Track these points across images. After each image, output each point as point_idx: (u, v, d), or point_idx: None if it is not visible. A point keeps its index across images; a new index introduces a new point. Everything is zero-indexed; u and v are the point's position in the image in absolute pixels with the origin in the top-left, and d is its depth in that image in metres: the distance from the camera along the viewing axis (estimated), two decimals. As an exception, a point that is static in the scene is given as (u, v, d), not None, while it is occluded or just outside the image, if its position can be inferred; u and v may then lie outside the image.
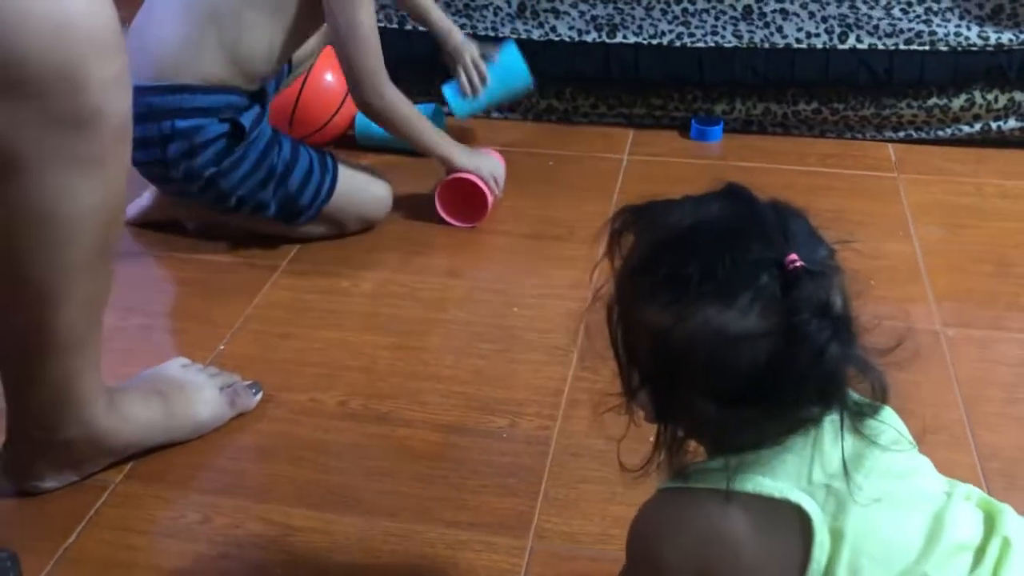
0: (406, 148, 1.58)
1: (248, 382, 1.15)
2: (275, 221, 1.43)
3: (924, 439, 0.87)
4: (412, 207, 1.58)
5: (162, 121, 1.30)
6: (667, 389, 0.66)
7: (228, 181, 1.36)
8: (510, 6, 1.77)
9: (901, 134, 1.76)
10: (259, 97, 1.39)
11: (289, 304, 1.35)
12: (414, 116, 1.46)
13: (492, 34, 1.78)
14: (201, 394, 1.09)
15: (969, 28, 1.64)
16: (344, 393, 1.17)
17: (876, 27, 1.66)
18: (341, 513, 1.00)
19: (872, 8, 1.65)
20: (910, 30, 1.65)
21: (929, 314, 1.31)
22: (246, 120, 1.34)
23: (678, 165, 1.73)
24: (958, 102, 1.70)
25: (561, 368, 1.21)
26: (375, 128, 1.54)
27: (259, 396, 1.14)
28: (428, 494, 1.02)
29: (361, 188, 1.49)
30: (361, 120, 1.75)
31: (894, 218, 1.54)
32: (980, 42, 1.64)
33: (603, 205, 1.58)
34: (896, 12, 1.65)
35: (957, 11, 1.63)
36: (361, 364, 1.22)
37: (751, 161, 1.73)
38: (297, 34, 1.38)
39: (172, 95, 1.31)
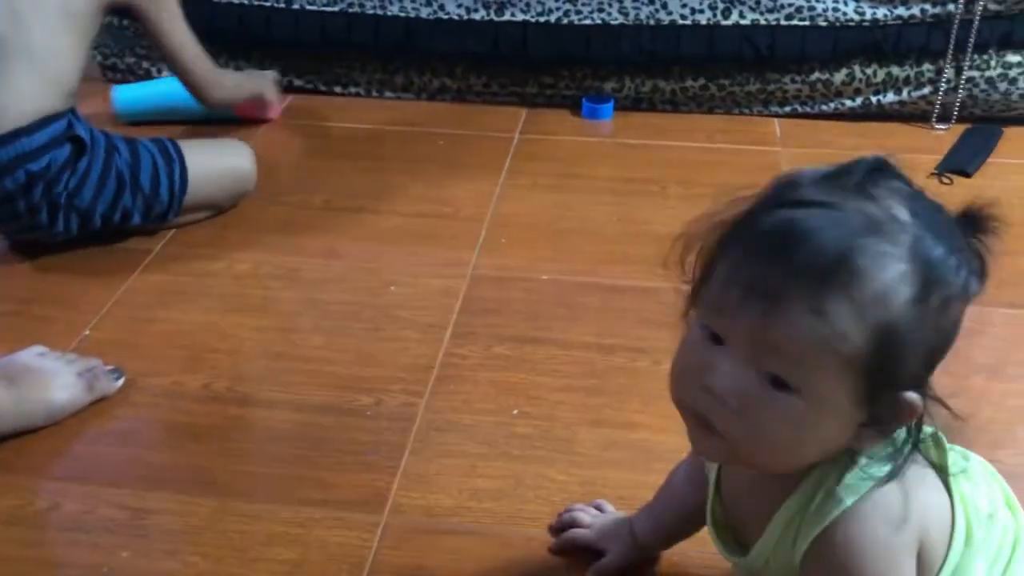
0: (179, 118, 1.70)
1: (110, 367, 1.13)
2: (148, 225, 1.41)
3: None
4: (297, 186, 1.57)
5: (15, 172, 1.27)
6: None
7: (83, 200, 1.32)
8: (398, -16, 1.76)
9: (787, 109, 1.79)
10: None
11: (159, 288, 1.33)
12: (186, 27, 1.45)
13: (380, 12, 1.77)
14: (56, 380, 1.06)
15: (846, 4, 1.67)
16: (208, 376, 1.15)
17: (758, 3, 1.68)
18: (195, 495, 0.99)
19: (753, -16, 1.68)
20: (790, 5, 1.68)
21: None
22: (82, 131, 1.32)
23: (569, 143, 1.74)
24: (839, 76, 1.74)
25: (433, 346, 1.21)
26: (138, 104, 1.65)
27: (121, 381, 1.12)
28: (285, 474, 1.02)
29: (217, 166, 1.47)
30: (122, 95, 1.77)
31: (774, 191, 1.57)
32: (857, 17, 1.67)
33: (490, 184, 1.59)
34: (777, -12, 1.67)
35: (834, -13, 1.67)
36: (228, 347, 1.21)
37: (641, 138, 1.75)
38: (94, 34, 1.38)
39: (12, 144, 1.26)
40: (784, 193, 0.59)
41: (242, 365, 1.18)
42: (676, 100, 1.81)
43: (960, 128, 1.74)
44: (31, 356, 1.09)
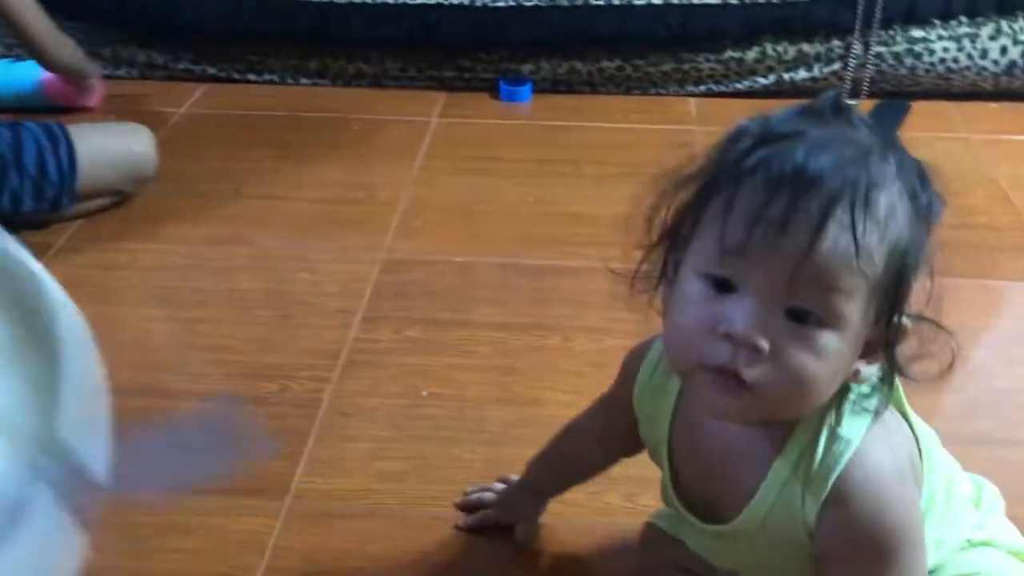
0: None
1: (4, 363, 1.10)
2: (44, 213, 1.37)
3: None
4: (206, 175, 1.54)
5: None
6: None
7: None
8: (309, -31, 1.74)
9: (702, 88, 1.80)
10: None
11: (62, 280, 1.28)
12: None
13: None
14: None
15: (756, -19, 1.69)
16: (109, 367, 1.12)
17: (669, -18, 1.70)
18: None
19: (664, -36, 1.68)
20: (701, -15, 1.69)
21: (709, 259, 1.35)
22: None
23: (487, 126, 1.73)
24: (752, 55, 1.75)
25: (342, 331, 1.19)
26: None
27: (17, 376, 1.09)
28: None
29: (111, 148, 1.43)
30: None
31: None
32: (767, -5, 1.69)
33: (406, 168, 1.57)
34: (687, -33, 1.68)
35: (743, -35, 1.68)
36: (132, 338, 1.18)
37: (559, 120, 1.75)
38: None
39: None
40: (769, 130, 0.59)
41: (145, 356, 1.15)
42: (593, 81, 1.81)
43: (870, 103, 1.76)
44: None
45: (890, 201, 0.56)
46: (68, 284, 1.29)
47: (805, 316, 0.56)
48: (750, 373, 0.56)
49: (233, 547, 0.90)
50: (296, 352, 1.16)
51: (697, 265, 0.59)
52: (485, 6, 1.72)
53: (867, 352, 0.59)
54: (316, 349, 1.16)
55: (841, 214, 0.54)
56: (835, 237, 0.54)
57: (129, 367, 1.13)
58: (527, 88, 1.80)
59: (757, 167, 0.56)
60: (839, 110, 0.59)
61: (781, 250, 0.55)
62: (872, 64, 1.74)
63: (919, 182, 0.58)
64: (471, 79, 1.83)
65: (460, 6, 1.73)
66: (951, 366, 0.60)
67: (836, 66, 1.75)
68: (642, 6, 1.70)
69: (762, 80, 1.78)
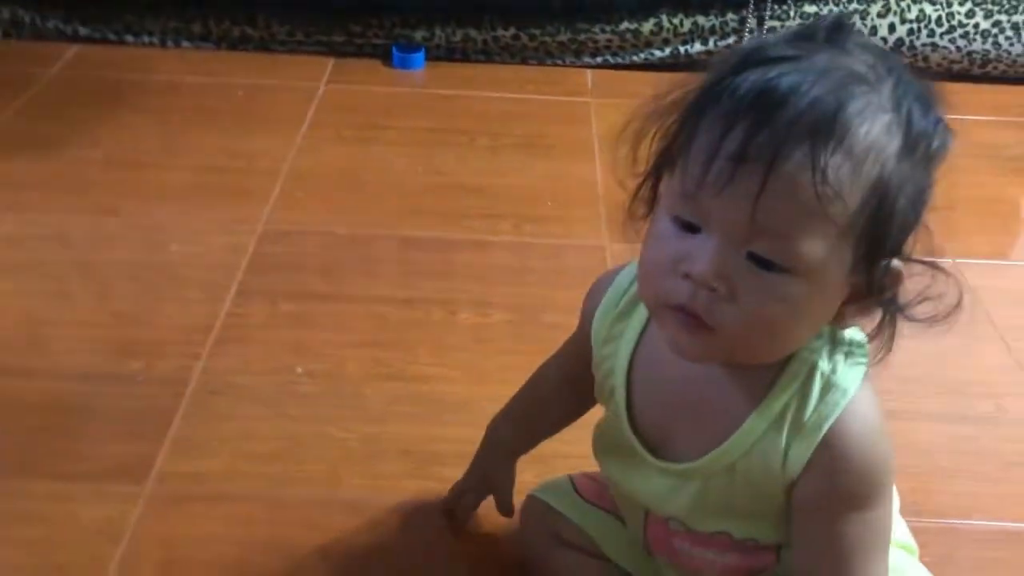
0: None
1: None
2: None
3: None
4: (75, 141, 1.45)
5: None
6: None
7: None
8: (188, -75, 1.65)
9: (599, 59, 1.78)
10: None
11: (-93, 252, 1.20)
12: None
13: (172, -44, 1.66)
14: None
15: (652, -48, 1.67)
16: (-44, 345, 1.05)
17: (565, -50, 1.67)
18: (-69, 475, 0.89)
19: (559, -69, 1.65)
20: (597, -46, 1.67)
21: (599, 232, 1.33)
22: None
23: (377, 94, 1.67)
24: (647, 26, 1.74)
25: (214, 305, 1.13)
26: None
27: None
28: (38, 447, 0.93)
29: None
30: None
31: (581, 141, 1.56)
32: (662, -34, 1.68)
33: (290, 136, 1.51)
34: (582, -65, 1.66)
35: (638, -66, 1.66)
36: (-16, 313, 1.10)
37: (452, 89, 1.70)
38: None
39: None
40: (752, 55, 0.54)
41: (1, 333, 1.07)
42: (488, 50, 1.77)
43: (764, 78, 1.78)
44: None
45: (872, 133, 0.52)
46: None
47: (768, 261, 0.53)
48: (708, 315, 0.54)
49: (85, 536, 0.84)
50: (165, 327, 1.09)
51: (667, 203, 0.57)
52: (377, -31, 1.67)
53: (856, 296, 0.57)
54: (186, 324, 1.10)
55: (801, 148, 0.50)
56: (792, 175, 0.50)
57: (-21, 344, 1.05)
58: (420, 55, 1.74)
59: (721, 95, 0.53)
60: (836, 32, 0.55)
61: (736, 190, 0.52)
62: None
63: (921, 113, 0.54)
64: (362, 45, 1.77)
65: (350, -31, 1.67)
66: (958, 306, 0.57)
67: (731, 40, 1.75)
68: (537, -26, 1.67)
69: (658, 52, 1.77)
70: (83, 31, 1.74)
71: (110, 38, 1.75)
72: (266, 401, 1.00)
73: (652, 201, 0.60)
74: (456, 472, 0.92)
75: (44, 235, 1.25)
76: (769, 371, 0.60)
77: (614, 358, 0.67)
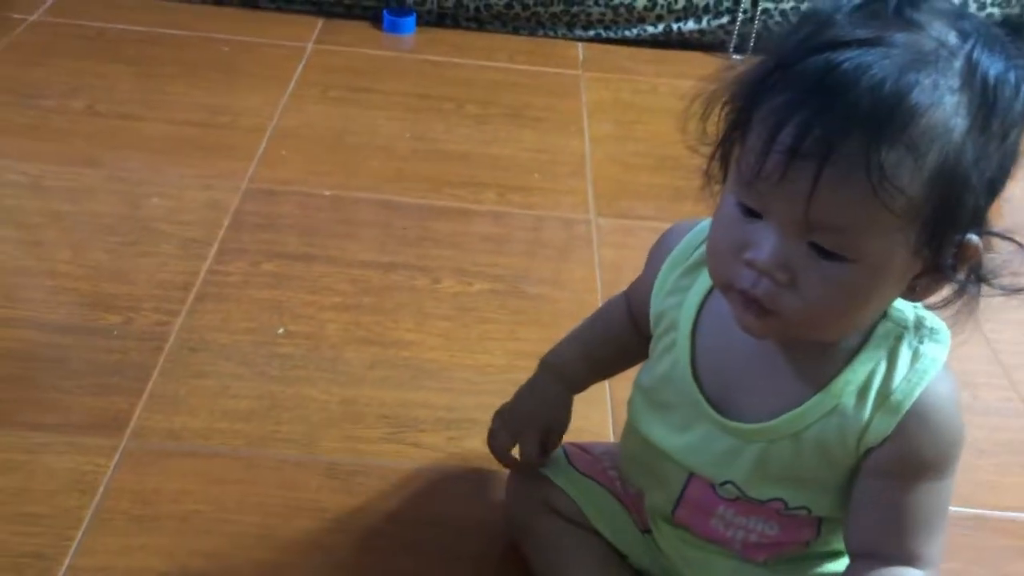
0: None
1: None
2: None
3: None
4: (56, 89, 1.42)
5: None
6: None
7: None
8: None
9: (591, 33, 1.77)
10: None
11: None
12: None
13: (161, -96, 1.62)
14: None
15: (649, -74, 1.66)
16: (-72, 291, 1.03)
17: (562, -80, 1.65)
18: (-99, 420, 0.88)
19: (557, -100, 1.63)
20: (594, -75, 1.65)
21: (585, 205, 1.33)
22: None
23: (365, 56, 1.65)
24: (641, 2, 1.72)
25: (194, 262, 1.12)
26: None
27: None
28: (12, 397, 0.92)
29: None
30: None
31: (570, 114, 1.55)
32: (659, -59, 1.66)
33: (275, 94, 1.49)
34: (580, -95, 1.64)
35: (636, -93, 1.65)
36: (-43, 260, 1.08)
37: (441, 55, 1.68)
38: None
39: None
40: (818, 33, 0.52)
41: (-29, 280, 1.05)
42: (480, 18, 1.75)
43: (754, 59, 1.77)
44: None
45: (936, 120, 0.50)
46: None
47: (829, 251, 0.52)
48: (770, 301, 0.55)
49: (62, 486, 0.83)
50: (143, 283, 1.08)
51: (732, 185, 0.56)
52: (369, -71, 1.64)
53: (928, 270, 0.55)
54: (165, 280, 1.09)
55: (857, 144, 0.49)
56: (847, 172, 0.49)
57: (-48, 291, 1.03)
58: (411, 20, 1.72)
59: (779, 82, 0.51)
60: (907, 3, 0.52)
61: (792, 182, 0.51)
62: (759, 20, 1.74)
63: (998, 80, 0.51)
64: (352, 6, 1.74)
65: (343, -73, 1.64)
66: None
67: (724, 19, 1.75)
68: (533, -58, 1.65)
69: (651, 28, 1.75)
70: (67, -23, 1.71)
71: (94, -14, 1.72)
72: (245, 360, 0.99)
73: (725, 168, 0.59)
74: (433, 437, 0.92)
75: (20, 183, 1.22)
76: (851, 339, 0.60)
77: (678, 310, 0.66)
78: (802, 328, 0.56)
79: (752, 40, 1.75)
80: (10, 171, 1.24)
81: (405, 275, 1.15)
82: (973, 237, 0.54)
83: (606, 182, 1.38)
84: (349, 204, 1.27)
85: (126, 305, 1.04)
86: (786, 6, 1.74)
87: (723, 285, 0.58)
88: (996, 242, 0.56)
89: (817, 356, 0.61)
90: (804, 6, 1.74)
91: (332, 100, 1.50)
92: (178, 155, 1.32)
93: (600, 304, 1.07)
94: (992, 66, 0.52)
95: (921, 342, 0.60)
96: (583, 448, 0.81)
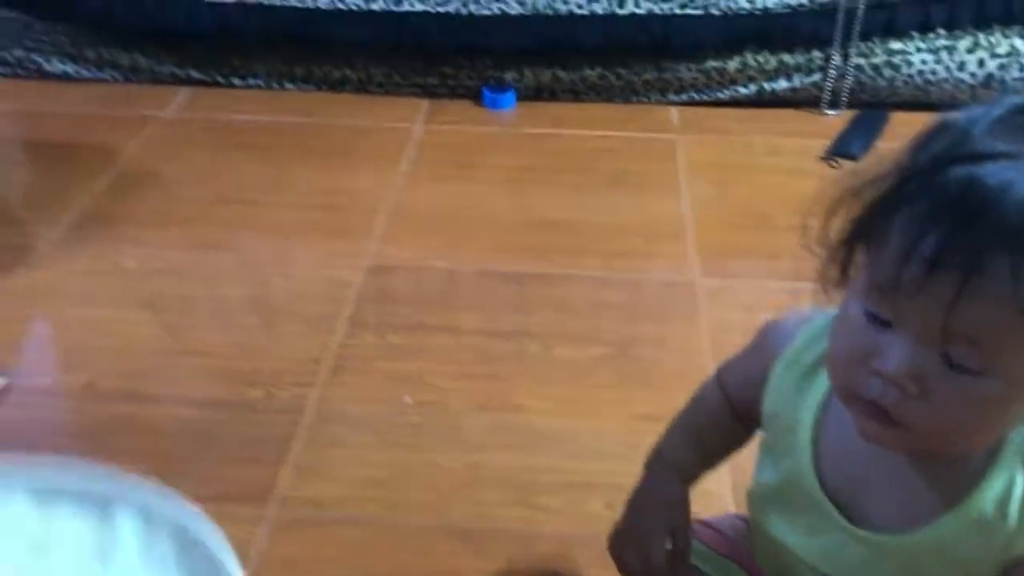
0: None
1: (-12, 368, 1.10)
2: None
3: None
4: (190, 181, 1.55)
5: None
6: None
7: None
8: (294, -25, 1.74)
9: (684, 97, 1.82)
10: None
11: (45, 286, 1.30)
12: None
13: (280, 2, 1.74)
14: (-71, 382, 1.04)
15: (737, -7, 1.71)
16: (92, 373, 1.13)
17: (652, -8, 1.71)
18: (75, 495, 0.97)
19: (647, -26, 1.70)
20: (684, -5, 1.71)
21: (688, 265, 1.37)
22: None
23: (470, 133, 1.74)
24: (733, 64, 1.77)
25: (324, 336, 1.20)
26: None
27: (1, 382, 1.10)
28: (169, 470, 0.99)
29: None
30: None
31: (668, 177, 1.60)
32: (748, 6, 1.70)
33: (389, 174, 1.58)
34: (669, -22, 1.70)
35: (725, -24, 1.70)
36: (115, 344, 1.18)
37: (542, 127, 1.76)
38: None
39: None
40: (957, 146, 0.51)
41: (127, 362, 1.15)
42: (576, 89, 1.83)
43: (850, 113, 1.79)
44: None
45: None
46: (52, 289, 1.31)
47: (963, 364, 0.51)
48: (898, 413, 0.53)
49: (216, 553, 0.91)
50: (280, 358, 1.17)
51: (858, 292, 0.55)
52: (470, 14, 1.73)
53: None
54: (300, 355, 1.17)
55: (1003, 257, 0.48)
56: (992, 285, 0.48)
57: (114, 373, 1.14)
58: (510, 95, 1.81)
59: (921, 191, 0.50)
60: None
61: (931, 293, 0.49)
62: (851, 75, 1.76)
63: None
64: (455, 86, 1.84)
65: (445, 14, 1.74)
66: None
67: (816, 76, 1.78)
68: (625, 16, 1.72)
69: (743, 90, 1.80)
70: (195, 75, 1.85)
71: (219, 81, 1.86)
72: (376, 429, 1.06)
73: (844, 273, 0.57)
74: (555, 501, 0.97)
75: (165, 269, 1.34)
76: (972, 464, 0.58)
77: (796, 413, 0.65)
78: (930, 441, 0.55)
79: (845, 95, 1.78)
80: (154, 259, 1.35)
81: (518, 343, 1.21)
82: None
83: (706, 242, 1.42)
84: (461, 276, 1.34)
85: (266, 380, 1.13)
86: (877, 60, 1.76)
87: (846, 393, 0.57)
88: None
89: (948, 466, 0.59)
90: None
91: (441, 177, 1.59)
92: (302, 237, 1.42)
93: (710, 367, 1.10)
94: None
95: None
96: (713, 527, 0.79)
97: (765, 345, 0.69)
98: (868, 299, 0.54)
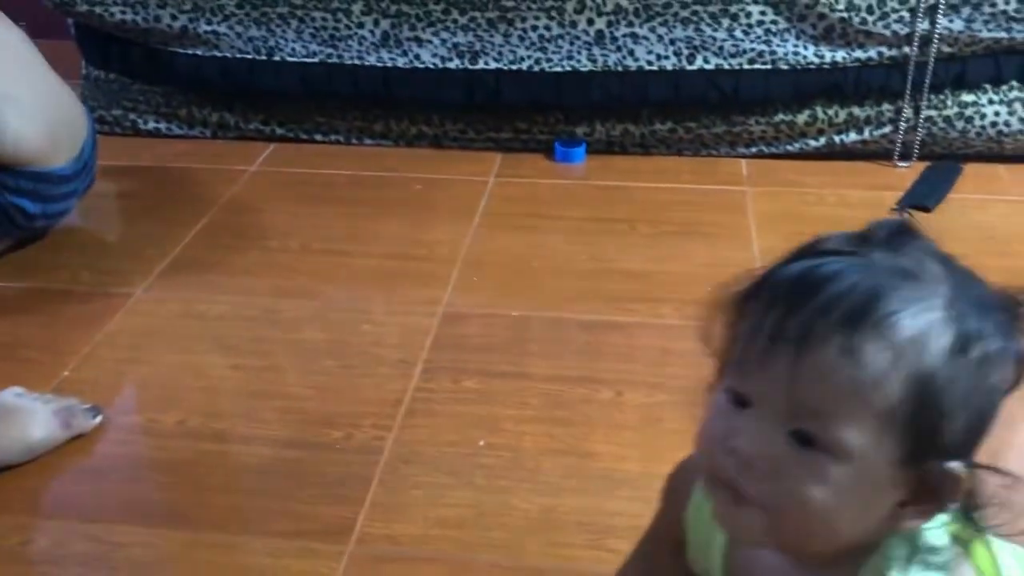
0: None
1: (87, 405, 1.16)
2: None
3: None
4: (276, 231, 1.62)
5: None
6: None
7: None
8: (374, 36, 1.82)
9: (753, 150, 1.85)
10: None
11: (140, 330, 1.37)
12: None
13: (359, 62, 1.83)
14: (33, 417, 1.10)
15: (806, 48, 1.73)
16: (183, 413, 1.19)
17: (721, 48, 1.75)
18: (168, 528, 1.02)
19: (716, 30, 1.74)
20: (752, 50, 1.74)
21: (760, 317, 1.37)
22: None
23: (542, 186, 1.79)
24: (802, 118, 1.79)
25: (403, 381, 1.24)
26: None
27: (98, 419, 1.16)
28: (256, 506, 1.05)
29: None
30: None
31: (739, 228, 1.61)
32: (817, 60, 1.73)
33: (464, 225, 1.63)
34: (738, 33, 1.73)
35: (793, 31, 1.72)
36: (204, 385, 1.24)
37: (612, 180, 1.80)
38: None
39: None
40: (807, 248, 0.58)
41: (217, 403, 1.21)
42: (646, 143, 1.87)
43: (921, 165, 1.79)
44: (9, 396, 1.13)
45: (918, 328, 0.52)
46: (146, 332, 1.38)
47: (810, 441, 0.54)
48: (748, 490, 0.56)
49: (300, 587, 0.94)
50: (360, 401, 1.21)
51: (725, 378, 0.59)
52: (542, 71, 1.79)
53: (914, 499, 0.56)
54: (379, 398, 1.21)
55: (835, 331, 0.52)
56: (826, 357, 0.52)
57: (203, 413, 1.19)
58: (581, 149, 1.86)
59: (769, 279, 0.57)
60: (898, 235, 0.56)
61: (774, 369, 0.54)
62: (923, 127, 1.77)
63: (978, 318, 0.53)
64: (527, 140, 1.90)
65: (518, 71, 1.80)
66: None
67: (887, 129, 1.78)
68: (694, 71, 1.76)
69: (813, 142, 1.81)
70: (279, 131, 1.94)
71: (302, 137, 1.95)
72: (453, 471, 1.09)
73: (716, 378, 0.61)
74: (628, 544, 0.97)
75: (254, 316, 1.40)
76: (851, 566, 0.59)
77: (710, 556, 0.68)
78: (781, 526, 0.56)
79: (917, 147, 1.78)
80: (244, 305, 1.42)
81: (590, 388, 1.23)
82: (955, 467, 0.54)
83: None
84: (535, 323, 1.37)
85: (347, 422, 1.17)
86: (949, 112, 1.76)
87: (709, 477, 0.59)
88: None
89: None
90: (951, 115, 1.76)
91: (514, 228, 1.63)
92: (382, 285, 1.47)
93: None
94: (973, 302, 0.54)
95: (906, 572, 0.58)
96: None
97: (670, 488, 0.74)
98: (729, 377, 0.58)
